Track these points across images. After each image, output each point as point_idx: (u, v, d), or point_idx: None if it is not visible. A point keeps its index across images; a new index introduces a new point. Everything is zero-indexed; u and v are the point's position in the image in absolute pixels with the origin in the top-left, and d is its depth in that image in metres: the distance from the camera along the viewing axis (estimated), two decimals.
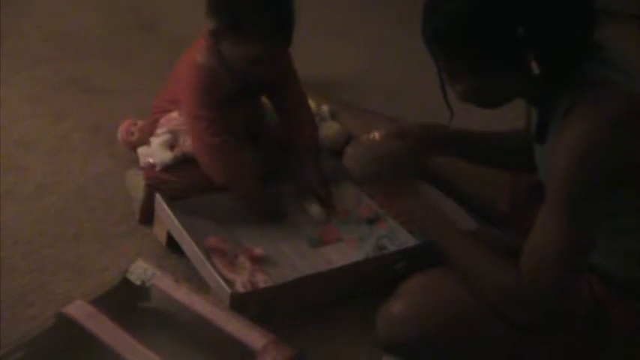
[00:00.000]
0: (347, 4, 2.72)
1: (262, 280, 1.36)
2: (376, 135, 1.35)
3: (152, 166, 1.55)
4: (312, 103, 1.80)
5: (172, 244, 1.47)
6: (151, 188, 1.51)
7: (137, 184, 1.55)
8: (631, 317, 1.16)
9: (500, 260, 1.15)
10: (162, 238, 1.49)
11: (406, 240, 1.47)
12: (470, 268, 1.17)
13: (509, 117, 1.40)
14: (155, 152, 1.55)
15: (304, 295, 1.34)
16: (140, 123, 1.71)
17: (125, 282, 1.28)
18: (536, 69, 1.05)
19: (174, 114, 1.59)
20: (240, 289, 1.31)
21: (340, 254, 1.47)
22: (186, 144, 1.55)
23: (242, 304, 1.25)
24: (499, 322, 1.15)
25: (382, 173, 1.31)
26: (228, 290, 1.27)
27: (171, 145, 1.56)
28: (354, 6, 2.71)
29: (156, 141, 1.56)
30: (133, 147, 1.69)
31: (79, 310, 1.20)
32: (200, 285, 1.34)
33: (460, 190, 1.55)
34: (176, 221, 1.40)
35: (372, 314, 1.24)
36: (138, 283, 1.27)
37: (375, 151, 1.35)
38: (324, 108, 1.87)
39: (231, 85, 1.51)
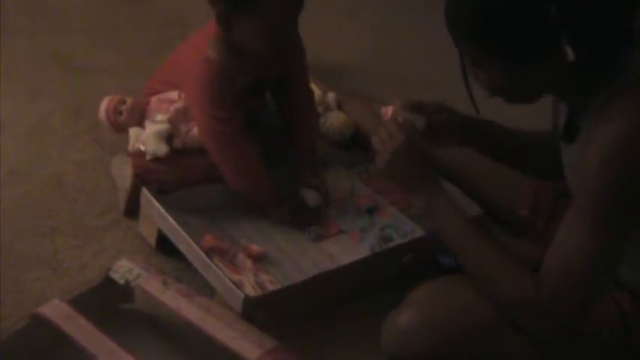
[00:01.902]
0: None
1: (267, 280, 1.38)
2: (389, 110, 1.33)
3: (142, 153, 1.54)
4: (317, 91, 1.80)
5: (162, 244, 1.46)
6: (139, 178, 1.51)
7: (124, 172, 1.54)
8: None
9: (520, 268, 1.14)
10: (151, 238, 1.48)
11: (412, 229, 1.49)
12: (487, 273, 1.17)
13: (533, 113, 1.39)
14: (149, 141, 1.54)
15: (314, 295, 1.36)
16: (129, 101, 1.67)
17: (107, 281, 1.28)
18: (571, 55, 1.03)
19: (172, 95, 1.58)
20: (250, 291, 1.33)
21: (343, 248, 1.49)
22: (189, 135, 1.55)
23: (254, 308, 1.27)
24: (516, 337, 1.14)
25: (399, 171, 1.30)
26: (241, 294, 1.28)
27: (169, 136, 1.55)
28: None
29: (152, 128, 1.55)
30: (119, 129, 1.67)
31: (55, 310, 1.19)
32: (191, 285, 1.33)
33: (478, 190, 1.54)
34: (171, 220, 1.40)
35: (377, 315, 1.25)
36: (121, 282, 1.26)
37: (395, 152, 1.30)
38: (330, 96, 1.86)
39: (243, 79, 1.53)
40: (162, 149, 1.53)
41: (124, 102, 1.68)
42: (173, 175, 1.53)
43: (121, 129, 1.66)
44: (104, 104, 1.70)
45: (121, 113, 1.67)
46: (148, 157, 1.53)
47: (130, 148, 1.58)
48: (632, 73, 1.07)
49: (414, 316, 1.20)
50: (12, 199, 1.58)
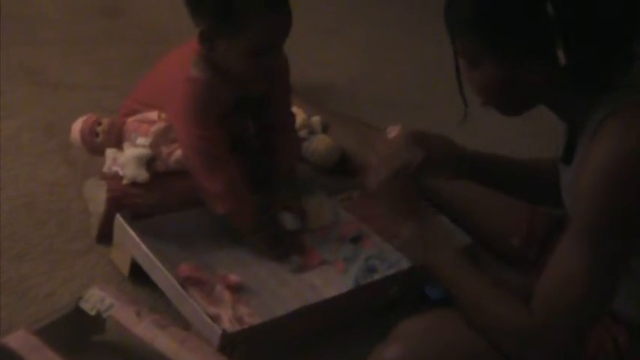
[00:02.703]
0: (342, 0, 2.73)
1: (246, 314, 1.36)
2: (395, 130, 1.33)
3: (118, 175, 1.53)
4: (301, 114, 1.80)
5: (136, 272, 1.44)
6: (114, 202, 1.49)
7: (97, 195, 1.52)
8: None
9: (512, 297, 1.14)
10: (124, 267, 1.47)
11: (397, 260, 1.49)
12: (479, 305, 1.17)
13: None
14: (128, 165, 1.52)
15: (294, 329, 1.36)
16: (106, 122, 1.65)
17: (77, 311, 1.26)
18: (562, 58, 1.03)
19: (151, 115, 1.57)
20: (228, 326, 1.31)
21: (325, 279, 1.48)
22: (172, 158, 1.54)
23: (232, 343, 1.26)
24: None
25: (393, 192, 1.30)
26: (219, 330, 1.26)
27: (152, 160, 1.54)
28: (349, 2, 2.72)
29: (132, 152, 1.53)
30: (95, 151, 1.65)
31: (20, 341, 1.18)
32: (167, 315, 1.32)
33: (470, 219, 1.54)
34: (145, 248, 1.39)
35: (361, 349, 1.23)
36: (92, 313, 1.24)
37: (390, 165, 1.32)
38: (315, 119, 1.87)
39: (228, 97, 1.53)
40: (142, 175, 1.52)
41: (99, 123, 1.65)
42: (151, 199, 1.52)
43: (97, 151, 1.64)
44: (78, 125, 1.68)
45: (97, 135, 1.65)
46: (125, 182, 1.52)
47: (106, 169, 1.56)
48: (632, 92, 1.07)
49: (401, 351, 1.19)
50: None
